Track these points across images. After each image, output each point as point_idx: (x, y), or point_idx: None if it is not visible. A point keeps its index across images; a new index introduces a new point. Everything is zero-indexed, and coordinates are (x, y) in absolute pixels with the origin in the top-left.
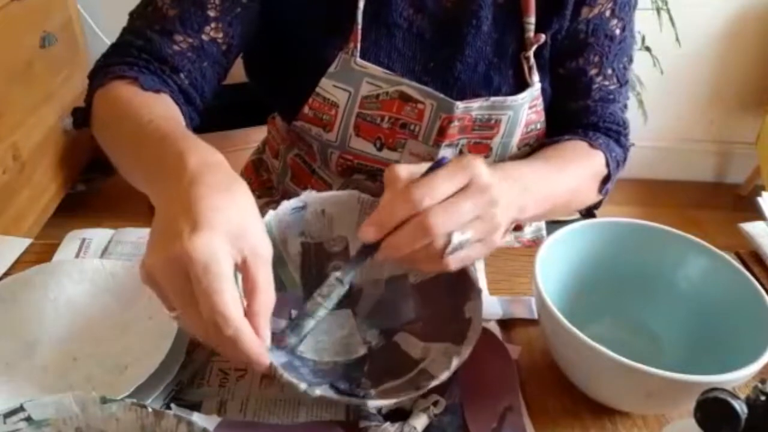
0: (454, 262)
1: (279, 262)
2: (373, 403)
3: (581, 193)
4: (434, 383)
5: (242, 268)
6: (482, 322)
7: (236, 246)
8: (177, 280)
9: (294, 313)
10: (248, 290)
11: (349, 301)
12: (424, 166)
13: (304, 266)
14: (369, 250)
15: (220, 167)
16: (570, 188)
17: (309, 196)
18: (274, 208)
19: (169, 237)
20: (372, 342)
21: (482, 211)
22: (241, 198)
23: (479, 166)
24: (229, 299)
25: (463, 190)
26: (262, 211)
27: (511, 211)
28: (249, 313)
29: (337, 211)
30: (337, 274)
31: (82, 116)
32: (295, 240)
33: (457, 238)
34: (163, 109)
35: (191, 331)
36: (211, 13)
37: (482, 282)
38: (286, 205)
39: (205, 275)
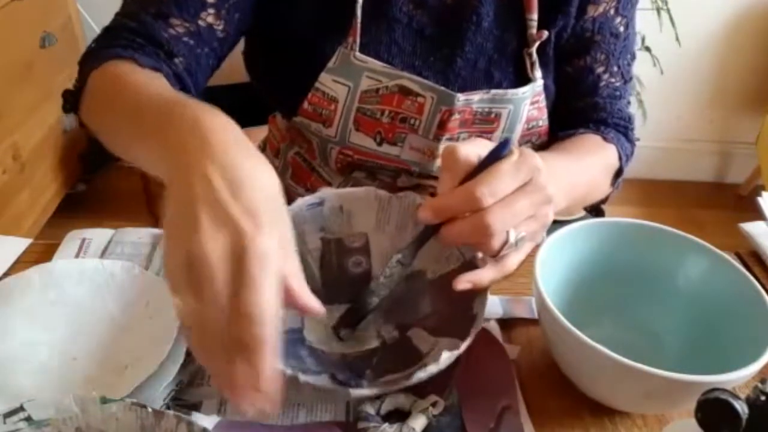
0: (510, 263)
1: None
2: (355, 392)
3: (598, 185)
4: (422, 375)
5: None
6: (483, 321)
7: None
8: (226, 270)
9: None
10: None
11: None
12: (482, 146)
13: (323, 261)
14: (429, 232)
15: (239, 134)
16: (589, 181)
17: (325, 192)
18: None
19: (221, 223)
20: (386, 336)
21: (537, 209)
22: (270, 171)
23: (539, 162)
24: (273, 297)
25: (522, 187)
26: None
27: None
28: (291, 291)
29: (355, 208)
30: (399, 256)
31: (72, 100)
32: (314, 235)
33: (513, 237)
34: (165, 83)
35: (190, 323)
36: None
37: None
38: (302, 201)
39: (262, 270)
